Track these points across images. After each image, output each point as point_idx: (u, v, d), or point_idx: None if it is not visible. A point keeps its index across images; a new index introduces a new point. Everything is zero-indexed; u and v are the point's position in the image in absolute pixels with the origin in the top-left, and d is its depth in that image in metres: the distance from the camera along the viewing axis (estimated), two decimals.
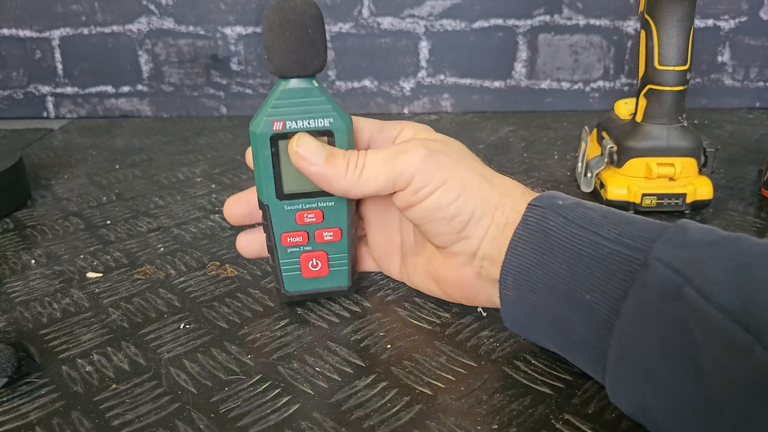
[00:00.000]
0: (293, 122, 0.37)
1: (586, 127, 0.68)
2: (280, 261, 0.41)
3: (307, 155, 0.37)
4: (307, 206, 0.39)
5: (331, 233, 0.40)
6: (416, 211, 0.38)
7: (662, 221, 0.33)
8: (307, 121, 0.37)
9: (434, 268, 0.42)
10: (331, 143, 0.38)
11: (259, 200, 0.39)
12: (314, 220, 0.40)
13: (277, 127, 0.37)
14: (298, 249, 0.41)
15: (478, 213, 0.37)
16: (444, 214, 0.37)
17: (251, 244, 0.46)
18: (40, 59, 1.06)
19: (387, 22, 1.01)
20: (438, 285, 0.43)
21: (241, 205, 0.44)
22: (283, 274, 0.42)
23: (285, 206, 0.39)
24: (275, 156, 0.38)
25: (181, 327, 0.46)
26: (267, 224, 0.40)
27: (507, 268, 0.36)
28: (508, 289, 0.37)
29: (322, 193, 0.39)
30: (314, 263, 0.41)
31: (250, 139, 0.38)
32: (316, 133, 0.38)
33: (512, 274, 0.36)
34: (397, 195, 0.38)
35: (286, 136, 0.37)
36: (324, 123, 0.37)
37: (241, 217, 0.44)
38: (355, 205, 0.41)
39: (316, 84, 0.37)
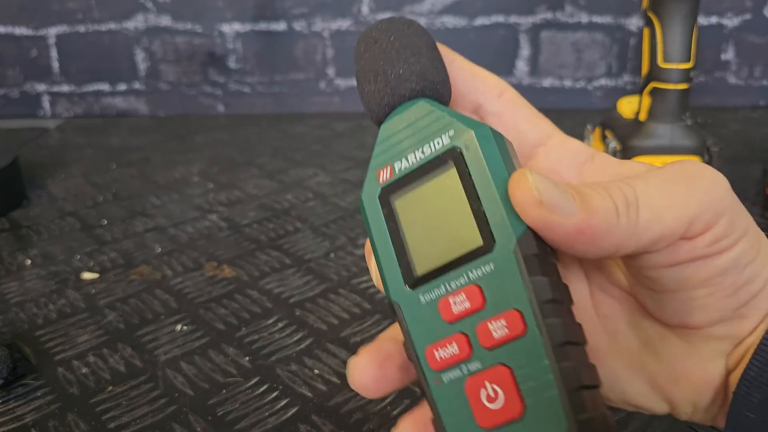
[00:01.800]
0: (403, 161, 0.24)
1: (588, 126, 0.67)
2: (438, 405, 0.22)
3: (558, 202, 0.21)
4: (452, 285, 0.22)
5: (503, 322, 0.21)
6: (692, 269, 0.23)
7: None
8: (420, 149, 0.24)
9: (656, 362, 0.26)
10: (464, 174, 0.22)
11: (388, 304, 0.23)
12: (469, 306, 0.22)
13: (385, 176, 0.24)
14: (459, 372, 0.22)
15: None
16: (735, 279, 0.23)
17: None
18: (36, 57, 1.05)
19: None
20: (655, 389, 0.26)
21: (377, 363, 0.24)
22: (446, 424, 0.22)
23: (421, 297, 0.23)
24: (391, 220, 0.24)
25: (178, 329, 0.45)
26: (405, 339, 0.23)
27: (752, 378, 0.23)
28: (750, 409, 0.23)
29: (473, 255, 0.22)
30: (491, 393, 0.21)
31: (361, 213, 0.25)
32: (436, 165, 0.23)
33: (761, 389, 0.23)
34: (671, 247, 0.23)
35: (400, 185, 0.24)
36: (442, 142, 0.23)
37: (387, 382, 0.24)
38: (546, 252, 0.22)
39: (423, 101, 0.24)
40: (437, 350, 0.22)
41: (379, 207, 0.24)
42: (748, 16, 0.97)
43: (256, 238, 0.59)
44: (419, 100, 0.24)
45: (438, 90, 0.25)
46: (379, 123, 0.25)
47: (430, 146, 0.23)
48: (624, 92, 1.00)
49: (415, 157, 0.23)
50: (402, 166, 0.24)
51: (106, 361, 0.42)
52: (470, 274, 0.22)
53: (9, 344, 0.43)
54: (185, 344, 0.43)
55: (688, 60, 0.58)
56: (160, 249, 0.58)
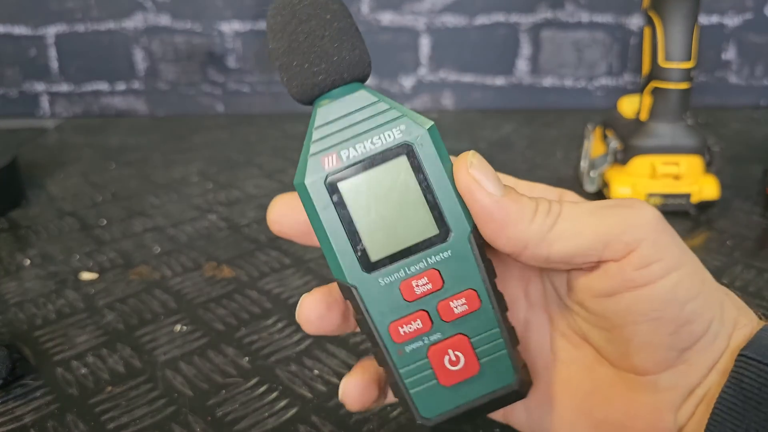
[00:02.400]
0: (351, 149, 0.25)
1: (589, 125, 0.67)
2: (400, 371, 0.26)
3: (484, 178, 0.24)
4: (413, 269, 0.25)
5: (463, 300, 0.25)
6: (629, 300, 0.24)
7: None
8: (370, 140, 0.25)
9: (604, 409, 0.26)
10: (417, 168, 0.24)
11: (339, 284, 0.26)
12: (431, 287, 0.25)
13: (330, 163, 0.25)
14: (421, 342, 0.25)
15: (715, 327, 0.24)
16: (674, 313, 0.24)
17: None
18: (34, 57, 1.05)
19: (387, 18, 1.00)
20: None
21: (326, 304, 0.27)
22: (412, 391, 0.26)
23: (380, 280, 0.25)
24: (341, 207, 0.25)
25: (177, 329, 0.45)
26: (362, 317, 0.25)
27: None
28: None
29: (429, 243, 0.25)
30: (453, 358, 0.26)
31: (300, 197, 0.25)
32: (388, 157, 0.25)
33: None
34: (602, 270, 0.24)
35: (350, 173, 0.25)
36: (393, 135, 0.24)
37: (328, 323, 0.27)
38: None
39: (363, 89, 0.26)
40: (402, 327, 0.25)
41: (327, 193, 0.25)
42: (749, 16, 0.97)
43: (255, 238, 0.59)
44: (357, 86, 0.25)
45: (368, 72, 0.26)
46: (305, 103, 0.26)
47: (381, 138, 0.25)
48: (625, 91, 0.99)
49: (364, 147, 0.25)
50: (350, 154, 0.25)
51: (105, 362, 0.42)
52: (429, 260, 0.25)
53: (8, 345, 0.43)
54: (184, 345, 0.43)
55: (689, 59, 0.58)
56: (159, 249, 0.57)
